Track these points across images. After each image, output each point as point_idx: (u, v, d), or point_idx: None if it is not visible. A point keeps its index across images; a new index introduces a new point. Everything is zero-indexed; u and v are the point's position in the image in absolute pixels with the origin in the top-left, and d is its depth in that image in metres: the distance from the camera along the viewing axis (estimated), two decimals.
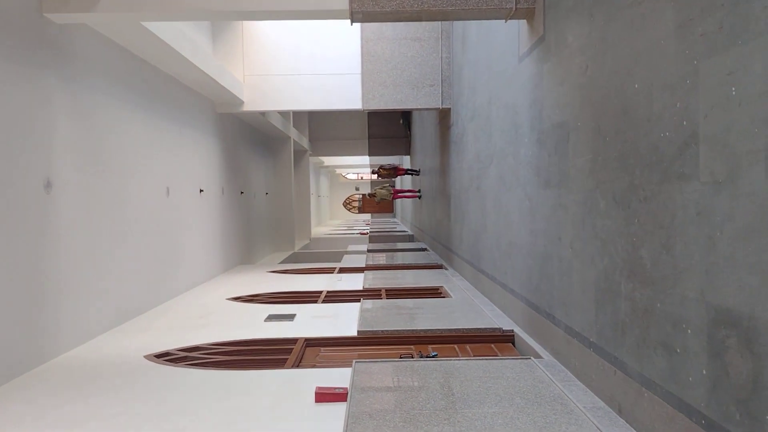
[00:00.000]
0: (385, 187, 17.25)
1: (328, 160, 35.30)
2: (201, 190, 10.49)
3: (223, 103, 11.57)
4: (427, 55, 11.45)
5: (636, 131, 3.46)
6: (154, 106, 8.29)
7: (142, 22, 6.12)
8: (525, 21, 5.81)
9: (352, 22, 5.75)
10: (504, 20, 5.82)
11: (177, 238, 9.18)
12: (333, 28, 11.61)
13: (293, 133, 19.16)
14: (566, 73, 4.64)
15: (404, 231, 26.59)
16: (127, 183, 7.33)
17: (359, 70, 11.50)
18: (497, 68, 7.16)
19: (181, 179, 9.46)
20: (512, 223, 6.51)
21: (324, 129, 24.93)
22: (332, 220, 46.05)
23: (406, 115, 23.94)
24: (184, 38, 8.09)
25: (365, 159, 33.34)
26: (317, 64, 11.60)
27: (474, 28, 8.71)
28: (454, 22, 10.95)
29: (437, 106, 11.45)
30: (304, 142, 21.99)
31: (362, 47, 11.42)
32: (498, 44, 7.10)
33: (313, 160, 30.21)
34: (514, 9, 5.48)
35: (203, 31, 11.04)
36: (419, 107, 11.54)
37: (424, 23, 11.50)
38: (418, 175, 17.36)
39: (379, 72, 11.42)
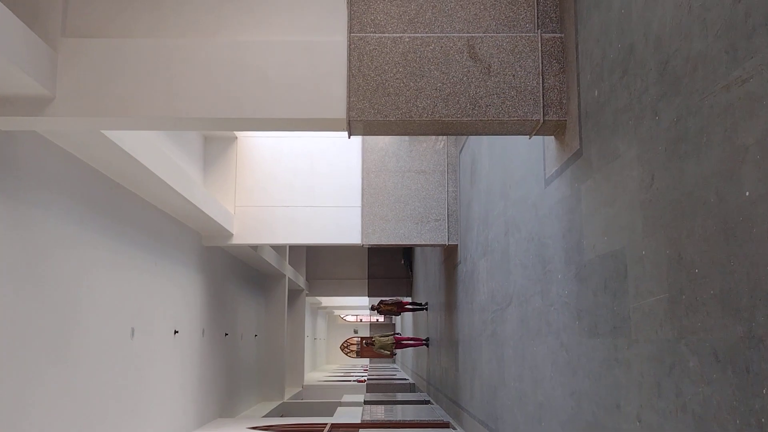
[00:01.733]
0: (386, 334, 15.48)
1: (326, 301, 34.03)
2: (176, 332, 9.25)
3: (210, 235, 10.64)
4: (432, 188, 10.70)
5: (752, 258, 2.38)
6: (123, 233, 7.31)
7: (102, 131, 5.28)
8: (553, 137, 4.95)
9: (350, 134, 4.89)
10: (528, 136, 4.97)
11: (139, 390, 7.81)
12: (332, 159, 10.96)
13: (288, 271, 18.15)
14: (618, 190, 3.66)
15: (405, 379, 24.76)
16: (78, 320, 6.15)
17: (359, 203, 10.69)
18: (516, 195, 6.24)
19: (152, 318, 8.27)
20: (542, 379, 5.26)
21: (322, 268, 23.98)
22: (329, 365, 43.84)
23: (407, 255, 23.08)
24: (165, 161, 7.28)
25: (365, 300, 32.12)
26: (314, 196, 10.81)
27: (485, 153, 7.94)
28: (462, 153, 10.28)
29: (443, 243, 10.49)
30: (301, 281, 20.92)
31: (363, 179, 10.70)
32: (516, 168, 6.24)
33: (309, 300, 28.98)
34: (541, 122, 4.63)
35: (193, 157, 10.38)
36: (423, 243, 10.58)
37: (428, 155, 10.86)
38: (425, 310, 15.89)
39: (381, 205, 10.59)
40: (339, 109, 4.69)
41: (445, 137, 10.90)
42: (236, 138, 10.92)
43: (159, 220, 8.57)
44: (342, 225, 10.63)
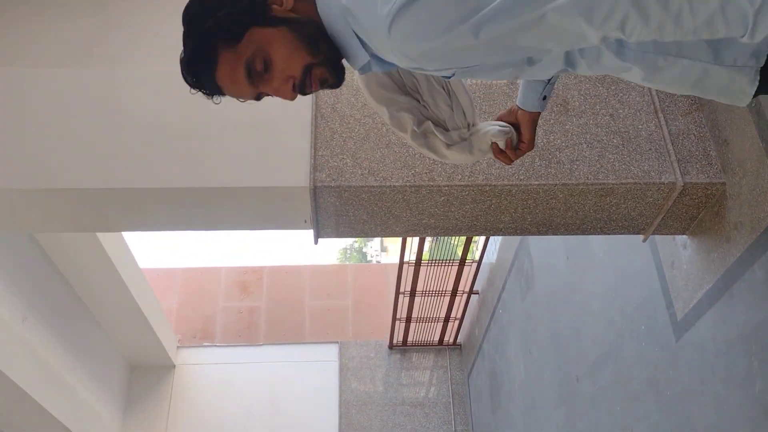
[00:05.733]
0: None
1: None
2: None
3: None
4: (435, 428, 7.90)
5: None
6: None
7: None
8: (686, 237, 2.72)
9: (318, 234, 2.62)
10: (642, 237, 2.74)
11: None
12: (300, 391, 8.22)
13: None
14: None
15: None
16: None
17: None
18: (593, 387, 3.73)
19: None
20: None
21: None
22: None
23: None
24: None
25: None
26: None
27: (515, 346, 5.45)
28: (472, 376, 7.74)
29: None
30: None
31: (341, 417, 7.93)
32: (591, 340, 3.82)
33: None
34: (679, 186, 2.44)
35: (111, 393, 7.63)
36: None
37: (426, 384, 8.25)
38: None
39: None
40: (296, 171, 2.48)
41: (447, 362, 8.43)
42: (174, 367, 8.32)
43: None
44: None
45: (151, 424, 7.89)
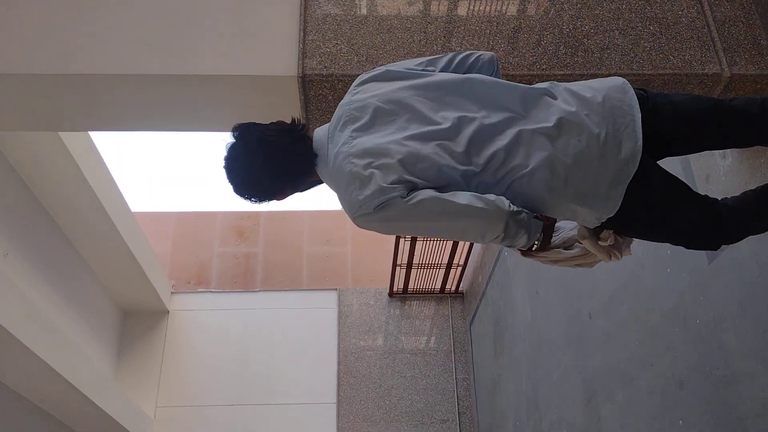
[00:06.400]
0: None
1: None
2: None
3: None
4: (435, 376, 7.71)
5: None
6: None
7: None
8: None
9: (304, 116, 2.30)
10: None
11: None
12: (296, 338, 8.02)
13: None
14: None
15: None
16: None
17: (334, 399, 7.59)
18: (609, 322, 3.47)
19: None
20: None
21: None
22: None
23: None
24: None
25: None
26: (272, 391, 7.69)
27: (521, 286, 5.20)
28: (474, 324, 7.52)
29: None
30: None
31: (339, 365, 7.73)
32: (605, 275, 3.55)
33: None
34: (726, 76, 2.12)
35: (105, 337, 7.43)
36: None
37: (426, 332, 8.04)
38: None
39: (364, 401, 7.52)
40: (283, 58, 2.15)
41: (448, 310, 8.20)
42: (167, 313, 8.10)
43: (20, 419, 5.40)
44: (312, 428, 7.41)
45: (144, 370, 7.70)
